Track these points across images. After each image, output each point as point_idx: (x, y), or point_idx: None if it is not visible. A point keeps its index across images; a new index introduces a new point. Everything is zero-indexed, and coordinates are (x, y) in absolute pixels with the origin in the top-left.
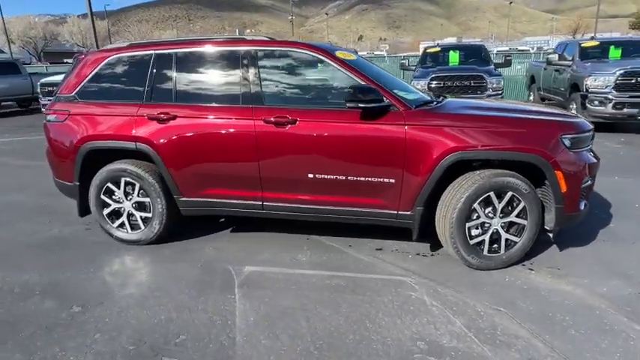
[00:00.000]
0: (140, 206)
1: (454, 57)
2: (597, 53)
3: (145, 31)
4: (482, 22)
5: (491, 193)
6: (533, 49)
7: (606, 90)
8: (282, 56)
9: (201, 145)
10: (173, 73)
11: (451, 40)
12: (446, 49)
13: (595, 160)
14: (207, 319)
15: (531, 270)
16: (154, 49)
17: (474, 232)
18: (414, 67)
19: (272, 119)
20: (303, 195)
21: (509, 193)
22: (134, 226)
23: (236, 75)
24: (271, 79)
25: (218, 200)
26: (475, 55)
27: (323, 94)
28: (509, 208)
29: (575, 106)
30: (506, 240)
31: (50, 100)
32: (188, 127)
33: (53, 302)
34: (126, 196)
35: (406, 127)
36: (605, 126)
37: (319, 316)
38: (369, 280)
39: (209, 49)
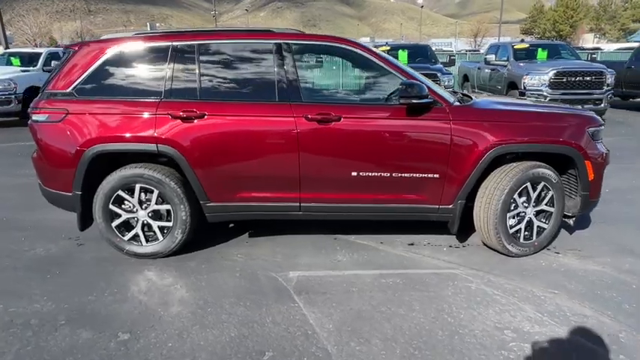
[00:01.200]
0: (156, 215)
1: (403, 56)
2: (524, 55)
3: (42, 23)
4: (391, 24)
5: (528, 184)
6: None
7: (541, 88)
8: (318, 50)
9: (235, 144)
10: (196, 67)
11: (365, 39)
12: (395, 49)
13: (607, 151)
14: (284, 330)
15: (557, 253)
16: (172, 40)
17: (511, 221)
18: None
19: (315, 116)
20: (344, 194)
21: (542, 184)
22: (148, 238)
23: (270, 69)
24: (307, 74)
25: (252, 204)
26: (421, 54)
27: (362, 89)
28: (539, 197)
29: None
30: (538, 227)
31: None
32: (219, 126)
33: (89, 332)
34: (140, 205)
35: (451, 123)
36: None
37: (398, 316)
38: (422, 276)
39: (236, 40)
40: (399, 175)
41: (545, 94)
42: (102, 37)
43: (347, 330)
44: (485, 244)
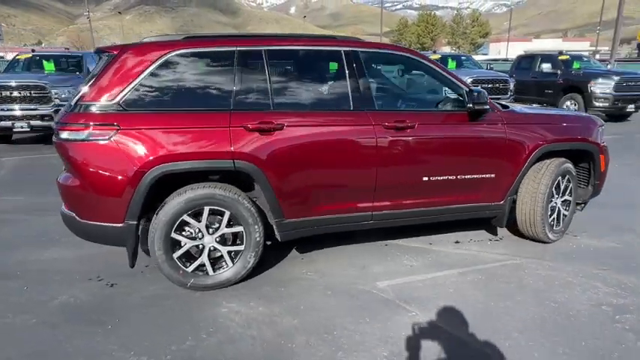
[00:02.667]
0: (222, 239)
1: (49, 65)
2: None
3: None
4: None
5: (560, 178)
6: None
7: None
8: (383, 59)
9: (314, 156)
10: (266, 75)
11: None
12: (42, 57)
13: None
14: (435, 337)
15: (575, 236)
16: (237, 45)
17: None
18: None
19: (393, 124)
20: (414, 199)
21: (567, 177)
22: (214, 266)
23: (341, 77)
24: (376, 82)
25: (327, 217)
26: (72, 64)
27: (423, 96)
28: (565, 188)
29: None
30: (563, 215)
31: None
32: (298, 138)
33: None
34: (207, 230)
35: (505, 126)
36: None
37: (511, 308)
38: (493, 269)
39: (304, 47)
40: (464, 176)
41: None
42: (147, 40)
43: (487, 328)
44: (519, 235)
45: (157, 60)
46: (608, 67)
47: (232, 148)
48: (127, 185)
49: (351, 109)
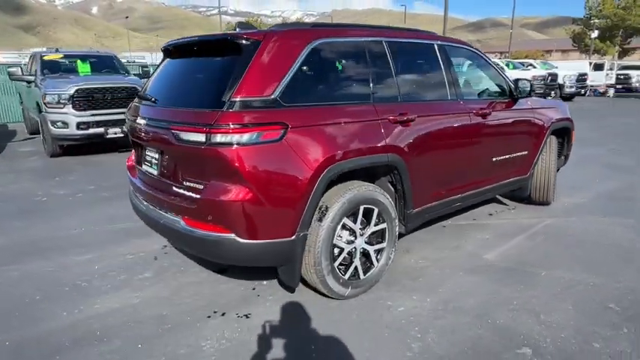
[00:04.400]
0: (369, 239)
1: (84, 67)
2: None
3: None
4: (65, 34)
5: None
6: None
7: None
8: (460, 54)
9: (436, 145)
10: (390, 67)
11: (38, 50)
12: (70, 58)
13: None
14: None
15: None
16: (365, 36)
17: None
18: (31, 77)
19: (480, 111)
20: (484, 179)
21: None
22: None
23: (439, 69)
24: (458, 74)
25: (438, 203)
26: (108, 65)
27: (482, 86)
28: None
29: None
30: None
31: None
32: (427, 128)
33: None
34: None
35: (533, 110)
36: None
37: (605, 246)
38: (546, 229)
39: (410, 40)
40: (515, 154)
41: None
42: (289, 26)
43: (607, 259)
44: (530, 202)
45: (305, 48)
46: None
47: (386, 142)
48: (303, 191)
49: (449, 98)
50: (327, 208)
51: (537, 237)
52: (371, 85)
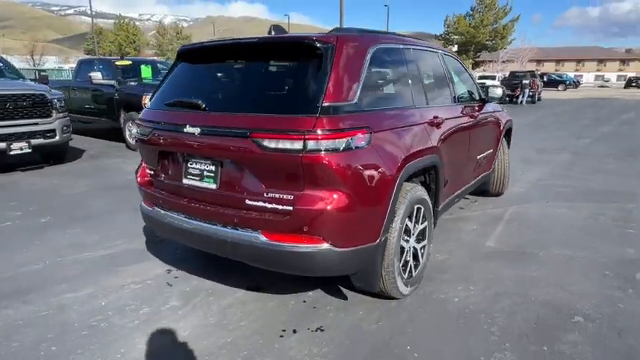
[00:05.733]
0: (417, 237)
1: None
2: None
3: None
4: None
5: None
6: None
7: None
8: (451, 61)
9: (453, 146)
10: (420, 72)
11: None
12: None
13: None
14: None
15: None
16: (402, 44)
17: None
18: None
19: (472, 113)
20: (473, 175)
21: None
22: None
23: (446, 75)
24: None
25: (449, 200)
26: None
27: (466, 90)
28: None
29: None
30: None
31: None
32: (448, 130)
33: None
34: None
35: (495, 112)
36: None
37: (574, 216)
38: (515, 215)
39: (428, 48)
40: (487, 152)
41: None
42: (343, 32)
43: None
44: (487, 194)
45: (368, 53)
46: None
47: (432, 144)
48: (388, 194)
49: (454, 102)
50: (396, 210)
51: (513, 223)
52: (412, 89)
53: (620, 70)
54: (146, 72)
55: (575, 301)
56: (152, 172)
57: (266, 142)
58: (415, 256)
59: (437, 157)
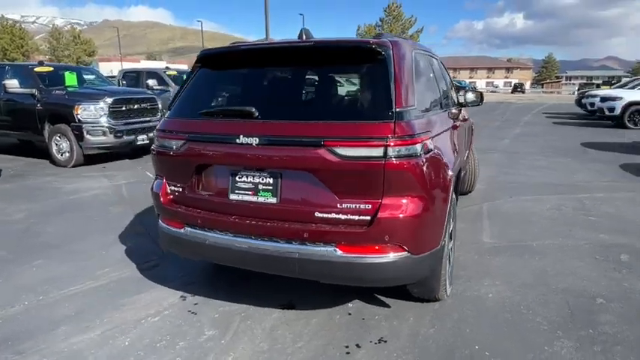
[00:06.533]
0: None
1: None
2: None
3: None
4: None
5: None
6: None
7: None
8: (443, 66)
9: (459, 146)
10: (440, 78)
11: None
12: None
13: None
14: None
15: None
16: (424, 50)
17: None
18: None
19: (460, 116)
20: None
21: None
22: None
23: (446, 79)
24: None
25: None
26: None
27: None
28: None
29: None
30: None
31: None
32: (458, 132)
33: None
34: None
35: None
36: None
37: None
38: (493, 208)
39: (433, 54)
40: (467, 151)
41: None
42: (384, 37)
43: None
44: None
45: (413, 58)
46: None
47: (457, 145)
48: (449, 196)
49: (453, 105)
50: (450, 212)
51: (495, 219)
52: (439, 93)
53: (506, 77)
54: (71, 79)
55: (589, 285)
56: (181, 189)
57: (342, 150)
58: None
59: (460, 157)
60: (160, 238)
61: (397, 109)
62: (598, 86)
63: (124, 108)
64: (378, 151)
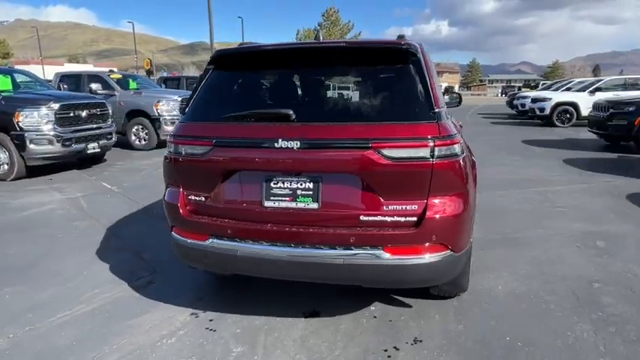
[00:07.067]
0: None
1: None
2: None
3: None
4: None
5: None
6: None
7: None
8: None
9: None
10: None
11: None
12: None
13: None
14: None
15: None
16: None
17: None
18: None
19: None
20: None
21: None
22: None
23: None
24: None
25: None
26: None
27: None
28: None
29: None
30: None
31: None
32: None
33: None
34: None
35: None
36: None
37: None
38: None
39: None
40: None
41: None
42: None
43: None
44: None
45: (430, 58)
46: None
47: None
48: (476, 193)
49: None
50: None
51: (480, 213)
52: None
53: None
54: (4, 83)
55: (582, 271)
56: (204, 198)
57: (389, 152)
58: None
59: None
60: (176, 251)
61: (436, 110)
62: (520, 89)
63: (72, 114)
64: (425, 152)
